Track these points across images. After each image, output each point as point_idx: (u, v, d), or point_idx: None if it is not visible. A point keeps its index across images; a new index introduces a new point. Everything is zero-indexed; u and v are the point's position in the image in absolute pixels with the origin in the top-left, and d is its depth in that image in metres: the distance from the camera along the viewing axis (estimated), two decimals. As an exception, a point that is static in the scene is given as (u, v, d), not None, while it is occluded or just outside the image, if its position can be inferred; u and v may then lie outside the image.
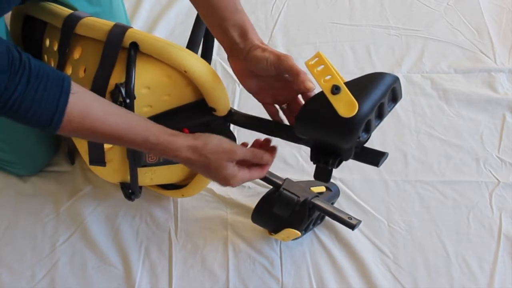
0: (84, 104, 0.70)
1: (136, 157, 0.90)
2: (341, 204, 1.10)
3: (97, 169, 0.96)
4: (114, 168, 0.94)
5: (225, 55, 1.32)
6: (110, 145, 0.90)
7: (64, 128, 0.69)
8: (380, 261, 1.04)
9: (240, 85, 1.28)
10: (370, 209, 1.10)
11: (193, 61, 0.83)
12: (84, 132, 0.72)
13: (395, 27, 1.41)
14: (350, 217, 0.94)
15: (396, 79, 0.75)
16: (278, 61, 0.78)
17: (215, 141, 0.79)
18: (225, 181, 0.80)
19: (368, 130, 0.75)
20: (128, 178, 0.95)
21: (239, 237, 1.07)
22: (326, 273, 1.02)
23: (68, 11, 0.87)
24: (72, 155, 1.14)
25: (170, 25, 1.41)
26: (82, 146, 0.93)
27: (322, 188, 1.05)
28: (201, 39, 0.91)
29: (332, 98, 0.72)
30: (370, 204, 1.11)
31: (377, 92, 0.73)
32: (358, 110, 0.70)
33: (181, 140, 0.77)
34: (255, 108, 1.25)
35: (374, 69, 1.32)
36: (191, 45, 0.89)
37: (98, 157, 0.90)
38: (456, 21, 1.42)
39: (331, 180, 1.11)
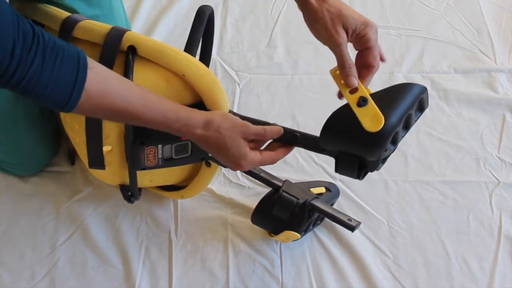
0: (102, 80, 0.67)
1: (135, 160, 0.89)
2: (341, 204, 1.10)
3: (96, 172, 0.96)
4: (113, 171, 0.94)
5: (225, 55, 1.35)
6: (110, 148, 0.90)
7: (83, 106, 0.65)
8: (380, 261, 1.04)
9: (240, 85, 1.29)
10: (370, 209, 1.10)
11: (191, 65, 0.83)
12: (103, 110, 0.68)
13: (395, 27, 1.41)
14: (350, 219, 0.94)
15: (424, 89, 0.74)
16: (329, 36, 0.73)
17: (229, 117, 0.78)
18: (236, 162, 0.78)
19: (394, 141, 0.74)
20: (127, 180, 0.95)
21: (239, 237, 1.07)
22: (326, 273, 1.03)
23: (65, 14, 0.87)
24: (72, 155, 1.14)
25: (170, 25, 1.41)
26: (81, 150, 0.93)
27: (322, 189, 1.05)
28: (200, 39, 0.90)
29: (358, 111, 0.70)
30: (370, 204, 1.11)
31: (405, 103, 0.71)
32: (386, 123, 0.69)
33: (200, 115, 0.75)
34: (255, 109, 1.26)
35: (374, 69, 1.32)
36: (190, 46, 0.88)
37: (97, 161, 0.90)
38: (456, 21, 1.42)
39: (331, 180, 1.11)
